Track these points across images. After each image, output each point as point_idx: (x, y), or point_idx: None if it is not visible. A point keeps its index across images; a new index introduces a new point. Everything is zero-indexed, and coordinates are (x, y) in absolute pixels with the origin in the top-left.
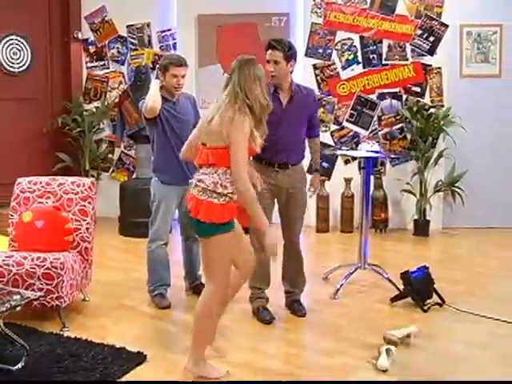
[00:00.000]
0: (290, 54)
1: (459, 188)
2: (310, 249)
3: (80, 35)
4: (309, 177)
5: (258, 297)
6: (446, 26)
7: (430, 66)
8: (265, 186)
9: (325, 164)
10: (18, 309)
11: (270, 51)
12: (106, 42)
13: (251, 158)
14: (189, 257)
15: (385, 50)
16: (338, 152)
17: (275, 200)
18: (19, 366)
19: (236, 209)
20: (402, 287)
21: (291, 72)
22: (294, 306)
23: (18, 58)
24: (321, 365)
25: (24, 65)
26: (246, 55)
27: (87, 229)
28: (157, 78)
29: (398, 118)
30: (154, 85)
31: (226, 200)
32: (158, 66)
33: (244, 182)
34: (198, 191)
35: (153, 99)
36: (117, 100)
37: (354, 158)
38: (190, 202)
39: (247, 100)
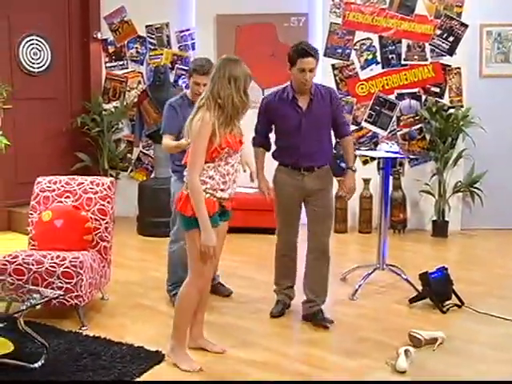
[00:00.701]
0: (318, 59)
1: (478, 189)
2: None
3: (99, 35)
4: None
5: (280, 291)
6: (466, 25)
7: (450, 66)
8: (290, 189)
9: (343, 164)
10: (38, 307)
11: (305, 59)
12: (125, 42)
13: (225, 152)
14: None
15: (404, 50)
16: (357, 152)
17: (302, 203)
18: (39, 363)
19: (216, 206)
20: (420, 288)
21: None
22: (318, 317)
23: (38, 58)
24: (338, 365)
25: (44, 65)
26: (230, 55)
27: (106, 228)
28: (175, 82)
29: (416, 118)
30: (176, 145)
31: (204, 195)
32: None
33: (191, 183)
34: (185, 186)
35: (167, 148)
36: (135, 100)
37: (373, 159)
38: (178, 195)
39: (219, 99)
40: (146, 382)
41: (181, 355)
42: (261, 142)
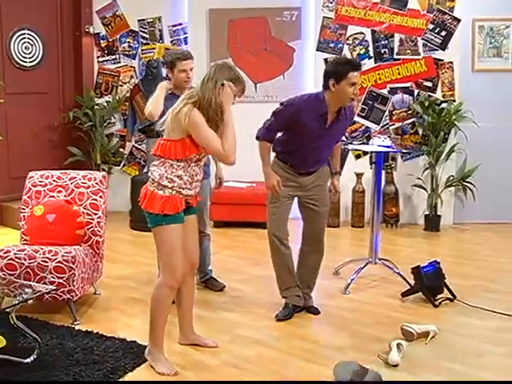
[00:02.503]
0: None
1: (470, 183)
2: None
3: (91, 29)
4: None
5: (288, 293)
6: (458, 20)
7: (442, 60)
8: (285, 183)
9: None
10: (30, 302)
11: (356, 73)
12: (118, 37)
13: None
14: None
15: (396, 44)
16: (350, 146)
17: (295, 198)
18: (31, 358)
19: (183, 203)
20: (412, 282)
21: None
22: (310, 310)
23: (30, 53)
24: (331, 359)
25: (36, 59)
26: (226, 61)
27: (98, 223)
28: (166, 76)
29: (409, 112)
30: (160, 89)
31: (171, 193)
32: (163, 63)
33: (227, 152)
34: (150, 182)
35: (153, 105)
36: (128, 94)
37: (365, 153)
38: (142, 191)
39: (203, 101)
40: (144, 382)
41: (157, 357)
42: (270, 137)
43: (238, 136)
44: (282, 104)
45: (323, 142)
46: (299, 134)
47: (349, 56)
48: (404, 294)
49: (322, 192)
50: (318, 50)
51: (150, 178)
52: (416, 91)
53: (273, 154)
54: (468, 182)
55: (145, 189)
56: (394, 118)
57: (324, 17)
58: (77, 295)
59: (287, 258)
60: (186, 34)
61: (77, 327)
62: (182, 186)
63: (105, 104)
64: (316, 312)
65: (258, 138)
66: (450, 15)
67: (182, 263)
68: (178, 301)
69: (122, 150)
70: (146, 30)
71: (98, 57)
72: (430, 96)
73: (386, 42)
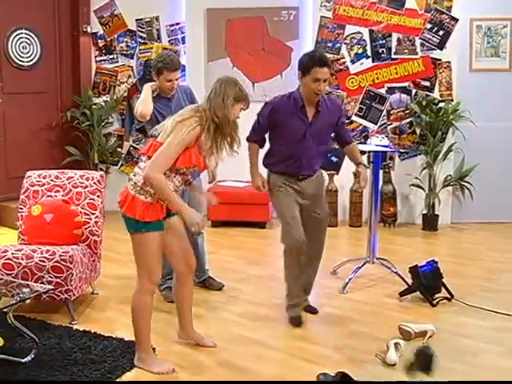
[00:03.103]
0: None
1: (468, 183)
2: None
3: (89, 29)
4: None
5: (295, 304)
6: (456, 19)
7: (440, 60)
8: (291, 190)
9: (333, 158)
10: (28, 302)
11: (322, 69)
12: (115, 36)
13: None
14: (194, 251)
15: (394, 44)
16: None
17: (299, 202)
18: (28, 358)
19: (164, 210)
20: (410, 281)
21: None
22: (308, 310)
23: (28, 52)
24: (328, 358)
25: (33, 59)
26: (225, 76)
27: (96, 222)
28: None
29: (407, 112)
30: (146, 89)
31: (153, 199)
32: (151, 64)
33: (156, 180)
34: (131, 185)
35: (143, 105)
36: (126, 94)
37: (363, 152)
38: (122, 194)
39: (215, 118)
40: (144, 382)
41: (149, 360)
42: (257, 139)
43: None
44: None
45: (310, 139)
46: (283, 134)
47: (346, 56)
48: (402, 294)
49: (322, 200)
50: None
51: (132, 181)
52: (414, 91)
53: (267, 172)
54: (466, 182)
55: (125, 192)
56: (391, 117)
57: (322, 16)
58: (74, 295)
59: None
60: (183, 33)
61: (74, 327)
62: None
63: (102, 104)
64: (314, 311)
65: (247, 139)
66: (447, 15)
67: (158, 268)
68: (178, 301)
69: (119, 149)
70: (143, 30)
71: (95, 56)
72: (427, 95)
73: (384, 41)
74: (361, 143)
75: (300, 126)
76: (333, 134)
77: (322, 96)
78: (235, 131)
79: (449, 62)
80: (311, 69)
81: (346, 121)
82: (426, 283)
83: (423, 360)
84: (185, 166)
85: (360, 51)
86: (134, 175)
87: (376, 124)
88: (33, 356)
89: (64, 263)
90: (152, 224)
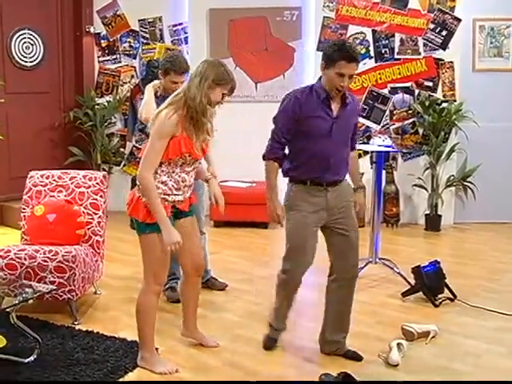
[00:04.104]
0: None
1: (471, 183)
2: (321, 243)
3: (92, 29)
4: None
5: (277, 332)
6: (459, 20)
7: (443, 60)
8: (311, 210)
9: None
10: (30, 302)
11: (350, 64)
12: (118, 36)
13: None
14: None
15: (397, 44)
16: None
17: (320, 227)
18: (31, 358)
19: (168, 211)
20: (413, 282)
21: None
22: (349, 355)
23: (31, 53)
24: (330, 358)
25: (36, 59)
26: (216, 59)
27: (99, 222)
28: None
29: (409, 112)
30: (148, 91)
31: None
32: (158, 63)
33: (143, 180)
34: (137, 186)
35: (146, 109)
36: (128, 94)
37: (366, 153)
38: (130, 195)
39: (189, 99)
40: (145, 382)
41: (152, 360)
42: (277, 154)
43: (238, 135)
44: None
45: (336, 136)
46: (308, 132)
47: None
48: (404, 294)
49: (349, 213)
50: (318, 49)
51: (137, 183)
52: (416, 91)
53: (284, 182)
54: (468, 182)
55: (132, 193)
56: (394, 117)
57: (324, 17)
58: (77, 295)
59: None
60: (186, 33)
61: (77, 327)
62: (167, 192)
63: (105, 104)
64: (358, 358)
65: (263, 157)
66: (450, 15)
67: (164, 269)
68: (184, 301)
69: (122, 149)
70: (146, 30)
71: (98, 56)
72: (430, 96)
73: (387, 41)
74: (364, 143)
75: (326, 121)
76: None
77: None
78: (205, 116)
79: (452, 62)
80: (337, 62)
81: None
82: (429, 283)
83: None
84: (176, 155)
85: (363, 51)
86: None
87: (379, 124)
88: (35, 356)
89: (67, 263)
90: (156, 225)
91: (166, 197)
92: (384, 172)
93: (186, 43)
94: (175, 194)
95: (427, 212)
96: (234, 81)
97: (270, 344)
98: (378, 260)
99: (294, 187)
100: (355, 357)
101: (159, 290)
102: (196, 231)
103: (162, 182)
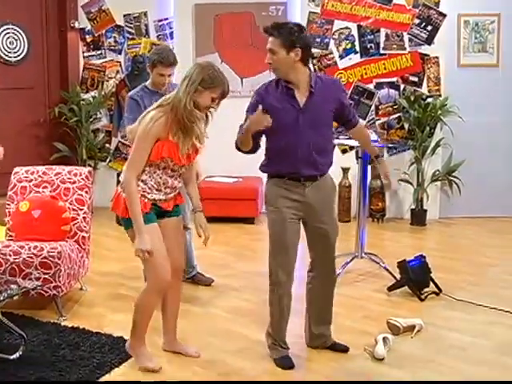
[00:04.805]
0: (291, 41)
1: (456, 177)
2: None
3: (77, 24)
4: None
5: (278, 345)
6: (444, 15)
7: (428, 55)
8: (288, 205)
9: None
10: (16, 298)
11: (268, 39)
12: (103, 32)
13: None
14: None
15: (382, 39)
16: (336, 141)
17: (301, 221)
18: (17, 355)
19: (148, 206)
20: (399, 276)
21: (303, 62)
22: (336, 347)
23: (15, 48)
24: (317, 353)
25: (21, 54)
26: (208, 62)
27: (84, 218)
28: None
29: (395, 107)
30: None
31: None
32: (146, 57)
33: (127, 182)
34: (120, 184)
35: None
36: (114, 89)
37: (352, 148)
38: (115, 192)
39: (176, 102)
40: (141, 381)
41: (140, 351)
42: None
43: (224, 131)
44: None
45: (306, 127)
46: (277, 119)
47: (335, 51)
48: (390, 288)
49: (330, 211)
50: None
51: (121, 180)
52: (402, 86)
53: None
54: (454, 177)
55: (117, 190)
56: (379, 112)
57: (310, 11)
58: (63, 291)
59: (288, 307)
60: (171, 28)
61: (63, 323)
62: (146, 190)
63: (90, 99)
64: (345, 349)
65: (236, 146)
66: (435, 10)
67: (165, 263)
68: (163, 306)
69: (107, 145)
70: (131, 25)
71: (83, 52)
72: (415, 91)
73: (372, 36)
74: (349, 138)
75: (290, 111)
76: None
77: (317, 77)
78: (190, 120)
79: (437, 58)
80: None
81: None
82: (415, 278)
83: None
84: (157, 159)
85: (348, 46)
86: (122, 174)
87: (364, 119)
88: (21, 353)
89: (52, 259)
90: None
91: (146, 194)
92: (369, 167)
93: (172, 38)
94: (154, 193)
95: (413, 207)
96: (226, 85)
97: (287, 364)
98: (363, 255)
99: (270, 182)
100: (342, 349)
101: (162, 288)
102: (179, 233)
103: (142, 181)
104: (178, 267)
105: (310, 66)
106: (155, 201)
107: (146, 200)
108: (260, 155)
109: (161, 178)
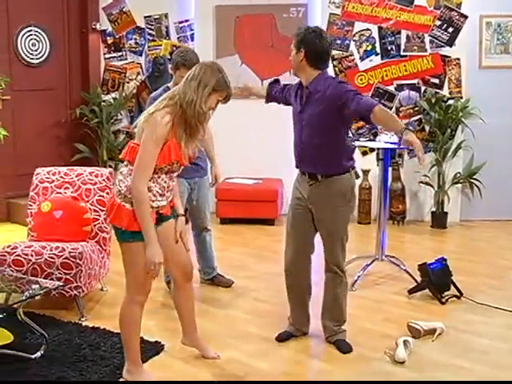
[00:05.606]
0: (297, 41)
1: (477, 180)
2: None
3: (98, 26)
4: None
5: (289, 323)
6: (466, 16)
7: (449, 57)
8: (298, 195)
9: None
10: (37, 298)
11: None
12: (124, 33)
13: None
14: (202, 249)
15: (403, 41)
16: (356, 143)
17: (309, 215)
18: (38, 354)
19: (153, 215)
20: (419, 279)
21: (309, 63)
22: (339, 346)
23: (37, 50)
24: (337, 356)
25: (43, 56)
26: (214, 62)
27: (105, 219)
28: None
29: (416, 109)
30: None
31: None
32: (169, 59)
33: (137, 191)
34: (116, 191)
35: None
36: (134, 91)
37: (372, 150)
38: (109, 201)
39: (184, 103)
40: (146, 382)
41: (137, 374)
42: (271, 89)
43: (245, 133)
44: None
45: (304, 124)
46: (293, 108)
47: (355, 53)
48: (411, 291)
49: (332, 215)
50: None
51: (117, 188)
52: (423, 88)
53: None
54: (475, 179)
55: (111, 199)
56: (400, 114)
57: (330, 13)
58: (84, 291)
59: (299, 298)
60: (192, 30)
61: (84, 323)
62: (151, 198)
63: (111, 101)
64: (346, 351)
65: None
66: (457, 12)
67: (150, 279)
68: (177, 308)
69: None
70: (152, 27)
71: (104, 53)
72: (436, 93)
73: (393, 38)
74: (370, 140)
75: (295, 108)
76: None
77: (322, 79)
78: (200, 121)
79: (458, 59)
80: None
81: None
82: (435, 281)
83: None
84: (165, 163)
85: (369, 48)
86: (118, 183)
87: None
88: (42, 352)
89: (73, 260)
90: (140, 233)
91: (151, 203)
92: (390, 169)
93: (192, 40)
94: (158, 200)
95: (433, 209)
96: (231, 88)
97: (282, 336)
98: (384, 257)
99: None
100: (343, 349)
101: (143, 301)
102: (173, 234)
103: (148, 188)
104: (186, 267)
105: (328, 69)
106: (158, 208)
107: (152, 209)
108: (278, 157)
109: (165, 182)
